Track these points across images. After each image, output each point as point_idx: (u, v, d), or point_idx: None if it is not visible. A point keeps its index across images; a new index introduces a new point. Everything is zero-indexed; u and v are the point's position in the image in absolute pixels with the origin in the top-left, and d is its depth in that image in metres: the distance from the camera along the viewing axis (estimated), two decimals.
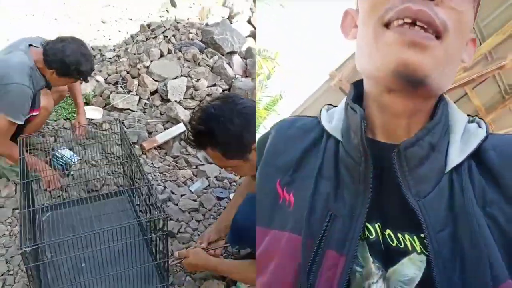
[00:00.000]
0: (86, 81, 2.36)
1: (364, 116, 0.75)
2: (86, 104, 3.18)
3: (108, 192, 2.29)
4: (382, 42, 0.69)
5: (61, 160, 2.40)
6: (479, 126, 0.78)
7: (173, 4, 4.43)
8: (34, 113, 2.27)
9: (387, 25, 0.70)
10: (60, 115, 3.08)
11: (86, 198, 2.03)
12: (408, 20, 0.67)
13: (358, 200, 0.74)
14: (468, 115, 0.82)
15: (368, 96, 0.79)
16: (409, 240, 0.72)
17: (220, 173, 2.66)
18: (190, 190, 2.51)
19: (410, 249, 0.72)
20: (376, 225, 0.74)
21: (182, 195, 2.44)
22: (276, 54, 7.10)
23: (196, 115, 1.52)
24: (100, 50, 4.05)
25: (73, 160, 2.44)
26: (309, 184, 0.78)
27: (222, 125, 1.46)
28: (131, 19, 4.92)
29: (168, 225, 2.15)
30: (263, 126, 6.18)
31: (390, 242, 0.73)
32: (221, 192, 2.48)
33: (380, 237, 0.74)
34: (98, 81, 3.39)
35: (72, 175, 2.45)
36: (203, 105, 1.57)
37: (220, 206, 2.37)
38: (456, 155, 0.73)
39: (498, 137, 0.77)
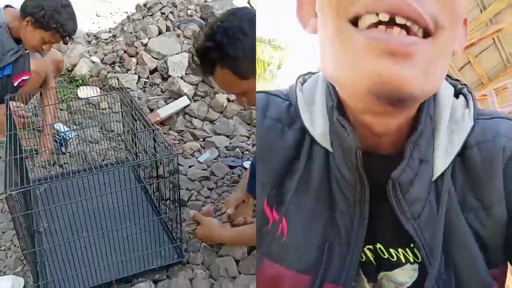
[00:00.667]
0: (65, 42, 2.08)
1: (358, 146, 0.64)
2: (82, 84, 2.95)
3: (109, 163, 2.04)
4: (350, 47, 0.52)
5: (57, 136, 2.16)
6: (467, 105, 0.69)
7: None
8: (25, 77, 2.03)
9: (354, 20, 0.52)
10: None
11: (85, 169, 1.79)
12: (384, 18, 0.50)
13: (354, 224, 0.68)
14: (456, 80, 0.72)
15: (345, 105, 0.67)
16: (402, 253, 0.71)
17: (230, 143, 2.42)
18: (199, 161, 2.26)
19: (403, 261, 0.71)
20: (368, 247, 0.71)
21: (190, 166, 2.20)
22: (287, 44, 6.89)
23: (201, 34, 1.28)
24: (95, 35, 3.82)
25: (69, 135, 2.19)
26: (302, 207, 0.71)
27: (232, 36, 1.23)
28: (126, 12, 4.72)
29: (178, 193, 1.93)
30: None
31: (381, 254, 0.72)
32: (233, 161, 2.23)
33: (372, 256, 0.72)
34: (93, 62, 3.15)
35: (69, 152, 2.20)
36: (208, 23, 1.33)
37: (233, 174, 2.12)
38: (442, 160, 0.67)
39: (483, 125, 0.68)
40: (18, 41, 2.05)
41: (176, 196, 1.40)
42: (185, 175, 2.09)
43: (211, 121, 2.70)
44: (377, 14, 0.50)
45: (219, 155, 2.31)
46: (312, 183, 0.71)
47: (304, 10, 0.67)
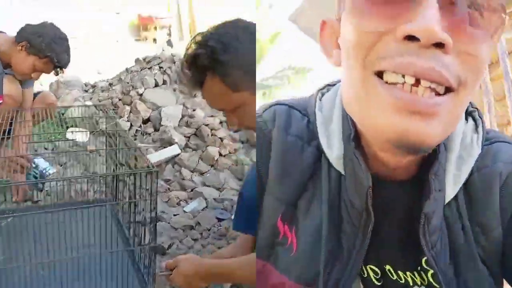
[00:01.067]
0: (57, 73, 2.04)
1: (370, 185, 0.65)
2: (73, 126, 2.83)
3: (85, 200, 1.87)
4: (375, 99, 0.53)
5: (34, 170, 1.99)
6: (476, 129, 0.70)
7: (170, 44, 4.25)
8: None
9: (379, 73, 0.53)
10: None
11: (57, 204, 1.62)
12: (410, 81, 0.51)
13: (356, 246, 0.69)
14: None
15: (361, 136, 0.67)
16: (410, 276, 0.72)
17: (219, 195, 2.26)
18: (185, 211, 2.09)
19: (411, 283, 0.72)
20: (371, 267, 0.72)
21: (175, 215, 2.03)
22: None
23: (192, 42, 1.17)
24: (92, 85, 3.76)
25: (49, 171, 2.03)
26: (312, 225, 0.72)
27: (225, 43, 1.13)
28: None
29: (157, 240, 1.75)
30: None
31: (390, 276, 0.72)
32: (221, 214, 2.07)
33: (375, 277, 0.72)
34: (87, 106, 3.05)
35: (46, 190, 2.04)
36: (199, 33, 1.21)
37: (220, 226, 1.95)
38: (451, 187, 0.67)
39: (484, 150, 0.69)
40: (6, 66, 1.97)
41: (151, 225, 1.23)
42: (168, 223, 1.92)
43: (201, 173, 2.56)
44: (403, 76, 0.51)
45: (206, 207, 2.15)
46: (323, 203, 0.71)
47: (326, 39, 0.67)
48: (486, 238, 0.68)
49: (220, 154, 2.69)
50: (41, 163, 2.02)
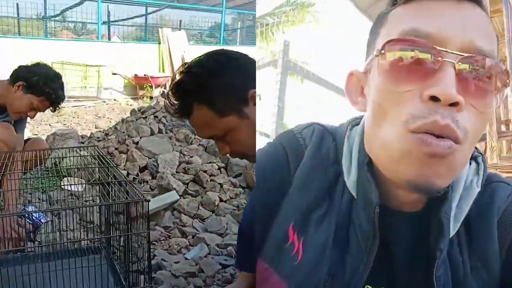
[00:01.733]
0: (54, 110, 2.08)
1: (378, 202, 0.69)
2: (69, 175, 2.71)
3: (79, 248, 1.72)
4: (406, 148, 0.60)
5: (27, 220, 1.85)
6: (477, 171, 0.74)
7: (164, 96, 4.22)
8: None
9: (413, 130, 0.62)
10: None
11: (50, 254, 1.47)
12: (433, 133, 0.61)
13: (360, 268, 0.71)
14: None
15: (374, 168, 0.71)
16: None
17: (222, 241, 2.11)
18: (186, 258, 1.94)
19: None
20: None
21: (176, 262, 1.87)
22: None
23: (177, 73, 1.15)
24: (89, 136, 3.68)
25: (41, 220, 1.89)
26: (319, 240, 0.75)
27: (209, 69, 1.11)
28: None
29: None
30: None
31: None
32: (225, 260, 1.91)
33: None
34: (83, 156, 2.94)
35: (38, 241, 1.88)
36: (183, 64, 1.19)
37: (225, 272, 1.79)
38: (453, 224, 0.70)
39: (484, 189, 0.73)
40: (1, 111, 1.90)
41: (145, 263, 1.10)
42: (169, 271, 1.76)
43: (202, 219, 2.42)
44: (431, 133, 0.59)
45: (209, 253, 2.00)
46: (334, 221, 0.74)
47: (352, 88, 0.73)
48: (487, 271, 0.70)
49: (221, 200, 2.56)
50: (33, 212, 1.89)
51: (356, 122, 0.80)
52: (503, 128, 3.48)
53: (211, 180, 2.77)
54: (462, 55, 0.58)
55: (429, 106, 0.58)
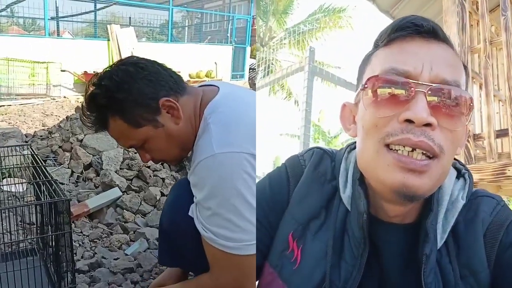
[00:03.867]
0: None
1: (365, 210, 0.74)
2: (9, 176, 2.56)
3: (17, 250, 1.63)
4: (384, 161, 0.68)
5: None
6: (464, 186, 0.79)
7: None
8: None
9: (387, 144, 0.69)
10: None
11: None
12: (408, 149, 0.67)
13: (353, 273, 0.75)
14: (462, 165, 0.83)
15: (366, 181, 0.77)
16: None
17: None
18: (126, 253, 1.89)
19: None
20: None
21: (115, 259, 1.82)
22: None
23: (90, 84, 1.11)
24: (33, 135, 3.49)
25: None
26: (316, 248, 0.79)
27: (118, 80, 1.07)
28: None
29: (94, 286, 1.54)
30: None
31: None
32: None
33: None
34: (24, 155, 2.79)
35: None
36: (96, 73, 1.16)
37: (163, 266, 1.76)
38: (440, 235, 0.74)
39: (469, 203, 0.77)
40: None
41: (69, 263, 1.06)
42: (108, 268, 1.71)
43: (144, 214, 2.37)
44: (404, 146, 0.67)
45: (148, 247, 1.96)
46: (330, 232, 0.79)
47: (345, 117, 0.80)
48: (475, 279, 0.73)
49: (162, 194, 2.52)
50: None
51: (354, 146, 0.86)
52: None
53: (154, 175, 2.71)
54: (431, 85, 0.66)
55: (403, 127, 0.66)
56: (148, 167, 2.85)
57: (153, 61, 1.17)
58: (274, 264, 0.83)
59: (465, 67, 0.74)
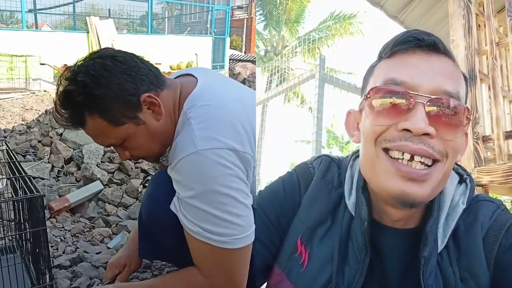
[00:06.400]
0: None
1: (366, 219, 0.76)
2: None
3: None
4: (384, 167, 0.69)
5: None
6: (465, 191, 0.79)
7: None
8: None
9: (386, 150, 0.70)
10: None
11: None
12: (407, 157, 0.67)
13: (355, 278, 0.76)
14: (464, 170, 0.82)
15: (369, 187, 0.79)
16: None
17: None
18: (108, 247, 1.85)
19: None
20: None
21: (97, 253, 1.78)
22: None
23: (62, 78, 1.01)
24: (11, 130, 3.38)
25: None
26: (322, 252, 0.81)
27: (96, 76, 0.99)
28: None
29: (76, 281, 1.50)
30: None
31: None
32: None
33: None
34: (2, 151, 2.70)
35: None
36: (68, 67, 1.06)
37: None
38: (441, 238, 0.75)
39: (469, 208, 0.78)
40: None
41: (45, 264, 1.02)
42: (90, 262, 1.67)
43: (126, 207, 2.32)
44: (403, 153, 0.67)
45: None
46: (336, 237, 0.80)
47: (350, 124, 0.82)
48: (474, 282, 0.73)
49: (144, 186, 2.47)
50: None
51: (359, 153, 0.87)
52: None
53: (135, 168, 2.66)
54: (430, 97, 0.67)
55: (401, 135, 0.68)
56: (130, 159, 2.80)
57: (131, 53, 1.10)
58: (283, 266, 0.85)
59: (466, 79, 0.75)
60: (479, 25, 2.55)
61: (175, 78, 1.23)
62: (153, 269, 1.66)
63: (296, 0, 11.53)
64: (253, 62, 10.86)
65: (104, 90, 0.99)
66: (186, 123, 1.06)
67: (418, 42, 0.71)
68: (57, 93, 1.04)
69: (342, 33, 11.23)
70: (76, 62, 1.04)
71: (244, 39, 15.77)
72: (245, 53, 14.03)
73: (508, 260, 0.72)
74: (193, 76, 1.18)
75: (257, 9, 11.84)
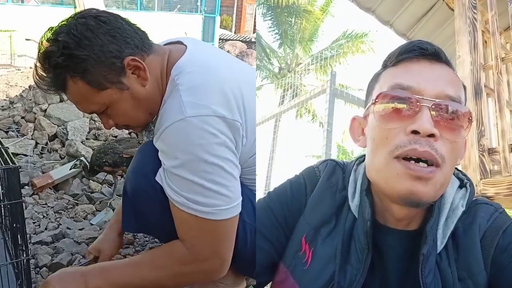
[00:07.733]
0: None
1: (368, 219, 0.79)
2: None
3: None
4: (394, 171, 0.72)
5: None
6: (465, 195, 0.82)
7: None
8: None
9: (396, 156, 0.73)
10: None
11: None
12: (414, 157, 0.71)
13: (357, 277, 0.79)
14: (464, 175, 0.85)
15: (373, 188, 0.82)
16: None
17: None
18: (91, 223, 1.83)
19: None
20: None
21: (80, 229, 1.76)
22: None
23: (43, 39, 0.97)
24: None
25: None
26: (326, 251, 0.83)
27: (78, 36, 0.94)
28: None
29: (57, 257, 1.49)
30: None
31: None
32: None
33: None
34: None
35: None
36: (50, 27, 1.01)
37: (127, 233, 1.72)
38: (440, 240, 0.77)
39: (469, 210, 0.80)
40: None
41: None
42: (72, 238, 1.65)
43: (110, 184, 2.30)
44: (411, 157, 0.71)
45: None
46: (339, 237, 0.83)
47: (355, 129, 0.85)
48: (472, 281, 0.76)
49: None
50: None
51: (362, 159, 0.91)
52: None
53: None
54: (435, 101, 0.72)
55: (410, 138, 0.71)
56: (115, 136, 2.75)
57: (116, 14, 1.04)
58: (288, 264, 0.88)
59: (464, 87, 0.80)
60: (486, 42, 2.60)
61: (164, 45, 1.19)
62: (136, 245, 1.66)
63: (310, 20, 11.83)
64: (243, 41, 10.71)
65: (86, 51, 0.94)
66: (174, 90, 1.02)
67: (422, 51, 0.76)
68: (38, 55, 0.99)
69: (354, 51, 11.43)
70: (59, 23, 0.99)
71: (234, 19, 15.54)
72: (235, 33, 13.83)
73: (505, 260, 0.75)
74: (182, 44, 1.14)
75: (272, 28, 11.90)
